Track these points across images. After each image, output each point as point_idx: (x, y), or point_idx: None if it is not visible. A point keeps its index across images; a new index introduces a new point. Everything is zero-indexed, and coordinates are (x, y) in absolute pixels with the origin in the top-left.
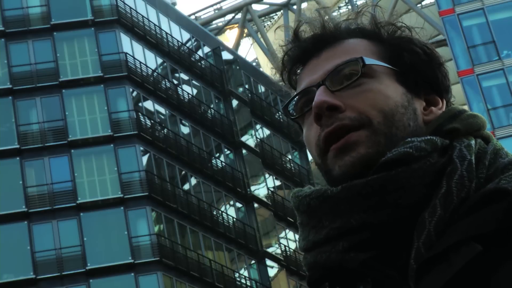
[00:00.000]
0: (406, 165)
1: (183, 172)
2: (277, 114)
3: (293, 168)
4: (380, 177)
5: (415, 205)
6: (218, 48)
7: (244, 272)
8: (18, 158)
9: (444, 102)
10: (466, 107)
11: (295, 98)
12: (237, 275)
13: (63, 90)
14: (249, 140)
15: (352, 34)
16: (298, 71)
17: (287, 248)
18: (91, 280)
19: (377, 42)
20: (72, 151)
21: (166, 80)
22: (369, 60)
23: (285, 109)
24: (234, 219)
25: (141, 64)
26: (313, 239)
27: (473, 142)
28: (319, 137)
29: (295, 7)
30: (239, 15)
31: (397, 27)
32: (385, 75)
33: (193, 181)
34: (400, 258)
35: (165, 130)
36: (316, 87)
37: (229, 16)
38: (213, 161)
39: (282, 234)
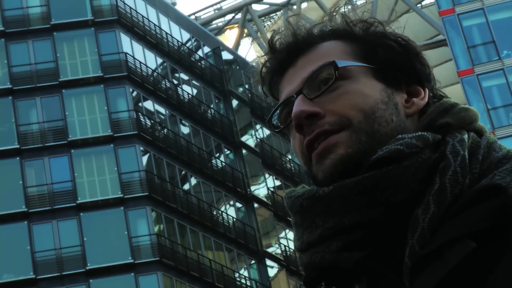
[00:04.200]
0: (397, 162)
1: (183, 172)
2: None
3: (293, 168)
4: (371, 175)
5: (407, 203)
6: (218, 48)
7: (244, 272)
8: (18, 158)
9: (427, 91)
10: None
11: (278, 110)
12: (237, 275)
13: (63, 90)
14: (249, 140)
15: (326, 37)
16: (279, 82)
17: (287, 248)
18: (91, 280)
19: (351, 42)
20: (72, 151)
21: (166, 80)
22: (341, 63)
23: (269, 122)
24: (234, 219)
25: (141, 64)
26: (307, 240)
27: (465, 136)
28: (303, 146)
29: (295, 7)
30: (239, 15)
31: (369, 24)
32: (361, 74)
33: (193, 181)
34: (395, 256)
35: (165, 130)
36: (295, 96)
37: (229, 16)
38: (213, 161)
39: (282, 234)
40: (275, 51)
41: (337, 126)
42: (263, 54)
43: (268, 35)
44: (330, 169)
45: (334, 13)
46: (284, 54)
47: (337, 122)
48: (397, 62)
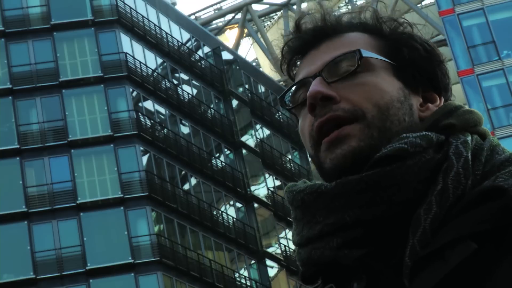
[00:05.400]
0: (401, 161)
1: (183, 172)
2: (277, 114)
3: (293, 168)
4: (374, 173)
5: (409, 202)
6: (218, 48)
7: (244, 272)
8: (18, 158)
9: (442, 99)
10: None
11: (292, 89)
12: (237, 275)
13: (63, 90)
14: (249, 140)
15: (353, 28)
16: (298, 62)
17: (287, 248)
18: (91, 280)
19: (377, 37)
20: (72, 151)
21: (166, 80)
22: (366, 53)
23: (281, 99)
24: (234, 219)
25: (141, 64)
26: (307, 235)
27: (469, 138)
28: (313, 127)
29: (295, 7)
30: (239, 15)
31: (399, 23)
32: (382, 69)
33: (193, 181)
34: (395, 255)
35: (165, 130)
36: (312, 78)
37: (229, 16)
38: (213, 161)
39: (282, 234)
40: (301, 31)
41: (350, 115)
42: (289, 33)
43: (268, 35)
44: (340, 159)
45: (365, 8)
46: (310, 35)
47: (351, 111)
48: (419, 65)
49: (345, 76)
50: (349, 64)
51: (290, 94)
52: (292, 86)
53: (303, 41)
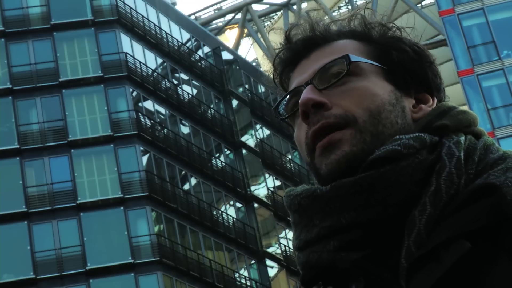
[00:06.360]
0: (395, 162)
1: (183, 172)
2: None
3: (293, 168)
4: (368, 175)
5: (404, 203)
6: (218, 48)
7: (244, 272)
8: (18, 158)
9: (435, 100)
10: (466, 107)
11: (285, 99)
12: (237, 275)
13: (63, 90)
14: (249, 140)
15: (342, 36)
16: (290, 73)
17: (287, 248)
18: (91, 280)
19: (366, 43)
20: (72, 151)
21: (166, 80)
22: (355, 58)
23: (275, 110)
24: (234, 219)
25: (141, 64)
26: (305, 238)
27: (462, 138)
28: (307, 135)
29: (295, 7)
30: (239, 15)
31: (387, 28)
32: (372, 73)
33: (193, 181)
34: (392, 257)
35: (165, 130)
36: (304, 86)
37: (229, 16)
38: (213, 161)
39: (282, 234)
40: (291, 43)
41: (343, 121)
42: (279, 47)
43: (268, 35)
44: (334, 164)
45: (354, 16)
46: (300, 46)
47: (343, 117)
48: (409, 67)
49: (335, 82)
50: (339, 70)
51: (284, 104)
52: (285, 96)
53: (294, 51)
